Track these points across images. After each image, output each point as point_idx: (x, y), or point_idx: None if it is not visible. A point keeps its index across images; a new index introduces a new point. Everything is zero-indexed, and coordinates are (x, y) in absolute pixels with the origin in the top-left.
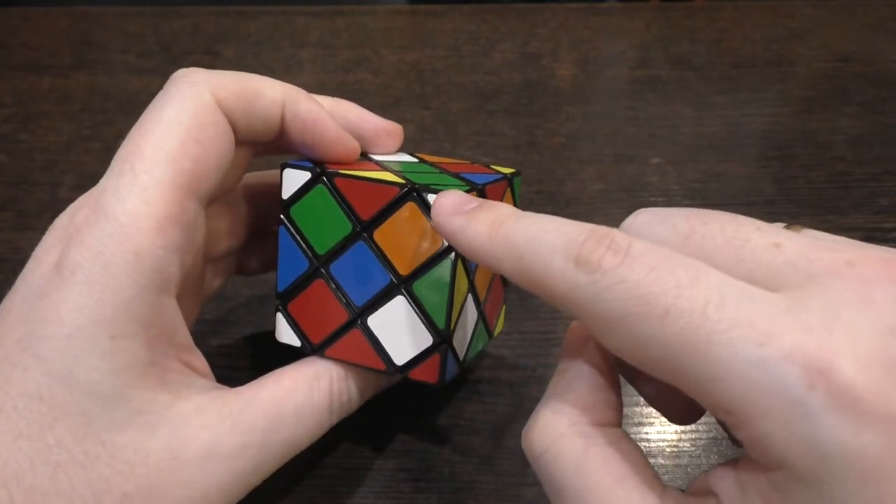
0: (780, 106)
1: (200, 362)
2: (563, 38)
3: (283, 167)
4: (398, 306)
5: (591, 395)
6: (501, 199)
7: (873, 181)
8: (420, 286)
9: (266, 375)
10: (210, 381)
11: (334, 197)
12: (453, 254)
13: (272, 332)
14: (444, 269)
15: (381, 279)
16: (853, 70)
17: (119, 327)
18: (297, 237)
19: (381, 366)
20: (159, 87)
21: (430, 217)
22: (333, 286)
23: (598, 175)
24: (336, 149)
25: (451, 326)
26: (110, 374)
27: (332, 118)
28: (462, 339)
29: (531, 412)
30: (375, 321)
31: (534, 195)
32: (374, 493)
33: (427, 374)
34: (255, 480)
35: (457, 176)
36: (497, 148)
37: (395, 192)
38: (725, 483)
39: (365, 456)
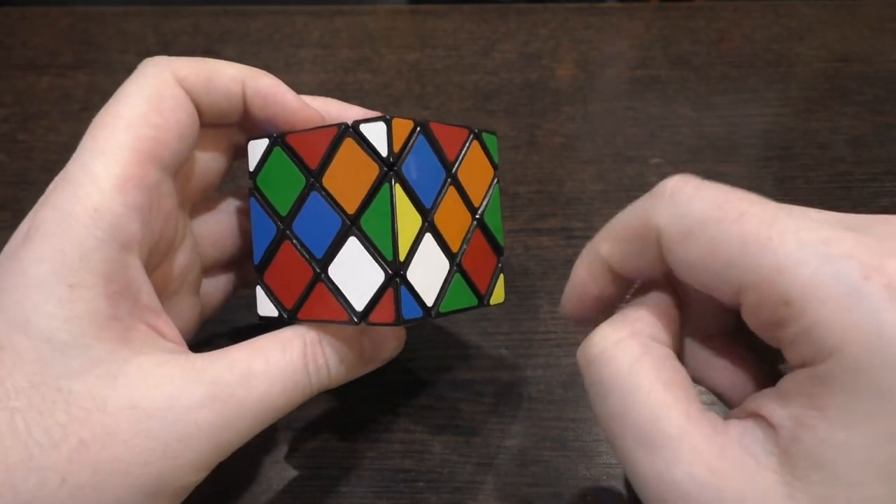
0: (780, 106)
1: (169, 328)
2: (563, 38)
3: (248, 141)
4: (352, 248)
5: (652, 314)
6: (464, 152)
7: (873, 181)
8: (366, 220)
9: (239, 343)
10: (179, 347)
11: (288, 155)
12: (388, 181)
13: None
14: (383, 196)
15: (335, 224)
16: (853, 70)
17: (76, 276)
18: (264, 204)
19: (345, 316)
20: None
21: (367, 151)
22: (297, 244)
23: (598, 175)
24: (300, 119)
25: (402, 258)
26: (68, 321)
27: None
28: (425, 281)
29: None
30: (335, 270)
31: (534, 195)
32: (373, 493)
33: (384, 315)
34: (227, 436)
35: None
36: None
37: (334, 132)
38: (766, 399)
39: (365, 456)
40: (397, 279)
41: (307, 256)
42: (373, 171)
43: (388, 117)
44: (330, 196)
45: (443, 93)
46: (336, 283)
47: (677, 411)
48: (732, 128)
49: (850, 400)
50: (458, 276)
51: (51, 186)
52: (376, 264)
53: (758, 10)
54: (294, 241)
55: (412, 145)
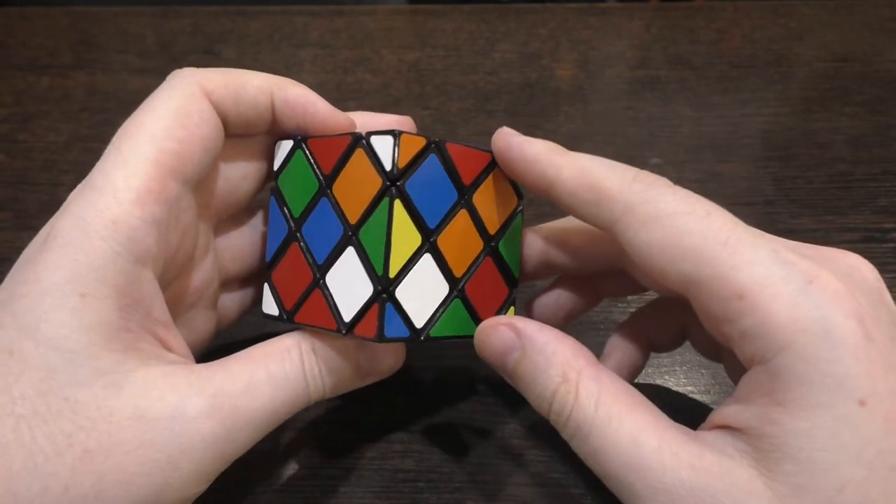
0: (780, 106)
1: (177, 342)
2: (562, 38)
3: (275, 141)
4: (349, 259)
5: (568, 339)
6: (483, 177)
7: (873, 181)
8: (364, 232)
9: (236, 353)
10: (185, 360)
11: (307, 158)
12: (389, 196)
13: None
14: (381, 210)
15: (337, 232)
16: (853, 70)
17: (89, 287)
18: (281, 204)
19: (333, 325)
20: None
21: (374, 163)
22: (303, 247)
23: None
24: (331, 126)
25: (392, 275)
26: (77, 330)
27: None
28: (418, 302)
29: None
30: (331, 278)
31: (534, 195)
32: (373, 493)
33: (367, 329)
34: (229, 448)
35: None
36: None
37: (348, 140)
38: (727, 409)
39: (364, 456)
40: (384, 295)
41: (310, 260)
42: (376, 183)
43: (397, 132)
44: (337, 204)
45: (443, 93)
46: (331, 290)
47: (650, 428)
48: (732, 128)
49: (806, 391)
50: (457, 301)
51: (73, 193)
52: (367, 278)
53: (758, 10)
54: (301, 243)
55: (421, 163)
